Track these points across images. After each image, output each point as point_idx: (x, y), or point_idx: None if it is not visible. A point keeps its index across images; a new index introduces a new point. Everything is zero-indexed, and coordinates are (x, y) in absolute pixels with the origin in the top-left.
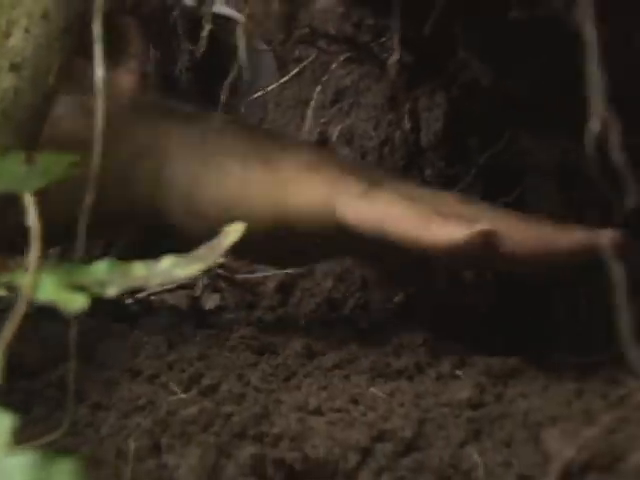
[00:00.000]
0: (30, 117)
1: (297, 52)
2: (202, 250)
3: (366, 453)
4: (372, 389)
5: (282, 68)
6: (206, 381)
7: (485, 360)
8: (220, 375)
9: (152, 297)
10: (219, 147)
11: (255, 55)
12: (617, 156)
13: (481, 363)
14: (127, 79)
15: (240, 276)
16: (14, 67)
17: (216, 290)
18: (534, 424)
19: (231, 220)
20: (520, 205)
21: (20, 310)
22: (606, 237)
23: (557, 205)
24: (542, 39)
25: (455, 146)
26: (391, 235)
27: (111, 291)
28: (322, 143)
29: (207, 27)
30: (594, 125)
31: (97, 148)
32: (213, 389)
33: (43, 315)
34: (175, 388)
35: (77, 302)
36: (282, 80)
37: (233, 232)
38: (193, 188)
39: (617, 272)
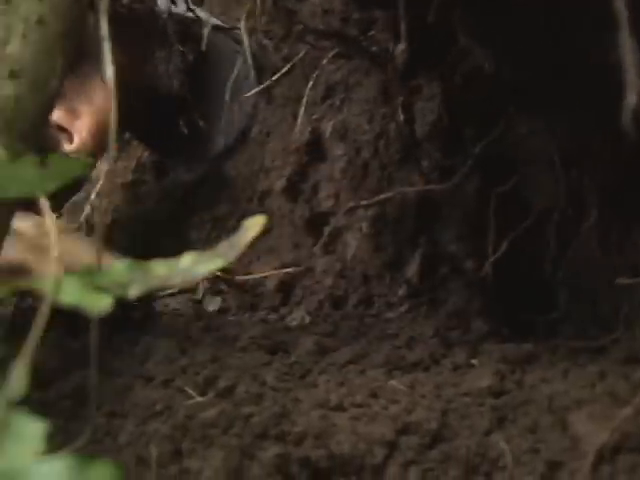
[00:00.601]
0: (31, 124)
1: (285, 50)
2: (222, 247)
3: (392, 447)
4: (392, 382)
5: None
6: (222, 383)
7: (499, 347)
8: (235, 376)
9: (154, 302)
10: None
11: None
12: None
13: (495, 351)
14: (102, 96)
15: (239, 278)
16: (13, 74)
17: (217, 293)
18: (559, 409)
19: None
20: (517, 194)
21: (44, 314)
22: None
23: (553, 193)
24: (540, 24)
25: (451, 137)
26: None
27: (133, 291)
28: (315, 140)
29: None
30: (631, 98)
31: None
32: (230, 391)
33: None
34: (191, 392)
35: (102, 303)
36: (274, 78)
37: (253, 227)
38: None
39: None
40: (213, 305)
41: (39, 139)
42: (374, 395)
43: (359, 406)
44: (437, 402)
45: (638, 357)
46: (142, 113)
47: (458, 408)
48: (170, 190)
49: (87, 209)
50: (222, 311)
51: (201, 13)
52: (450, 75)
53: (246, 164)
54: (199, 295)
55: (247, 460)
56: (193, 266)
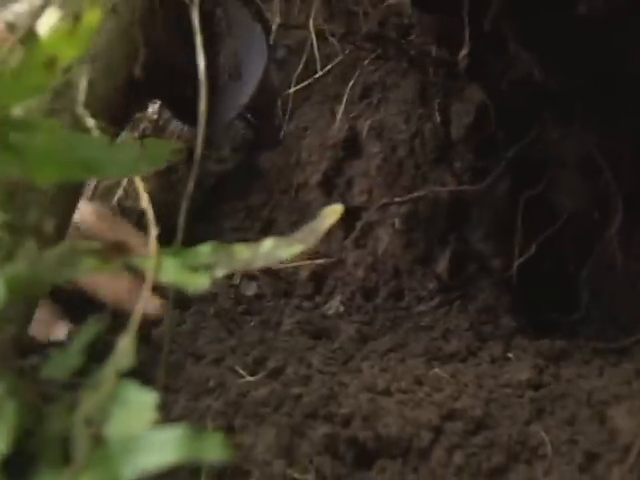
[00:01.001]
0: (103, 107)
1: (327, 48)
2: (302, 232)
3: (438, 431)
4: (435, 370)
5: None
6: (271, 364)
7: (534, 343)
8: (283, 358)
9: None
10: None
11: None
12: None
13: (529, 346)
14: None
15: (273, 265)
16: (89, 58)
17: (252, 278)
18: (597, 403)
19: None
20: (547, 197)
21: (147, 290)
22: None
23: (580, 197)
24: (578, 36)
25: (484, 139)
26: None
27: (219, 272)
28: (352, 137)
29: None
30: None
31: (199, 140)
32: (279, 372)
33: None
34: (242, 371)
35: (200, 282)
36: (316, 76)
37: (331, 214)
38: None
39: None
40: (250, 290)
41: (112, 121)
42: (418, 382)
43: (404, 392)
44: (480, 391)
45: None
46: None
47: (499, 398)
48: (201, 179)
49: (119, 192)
50: (257, 297)
51: None
52: (496, 82)
53: (282, 157)
54: (236, 280)
55: (297, 438)
56: (274, 250)
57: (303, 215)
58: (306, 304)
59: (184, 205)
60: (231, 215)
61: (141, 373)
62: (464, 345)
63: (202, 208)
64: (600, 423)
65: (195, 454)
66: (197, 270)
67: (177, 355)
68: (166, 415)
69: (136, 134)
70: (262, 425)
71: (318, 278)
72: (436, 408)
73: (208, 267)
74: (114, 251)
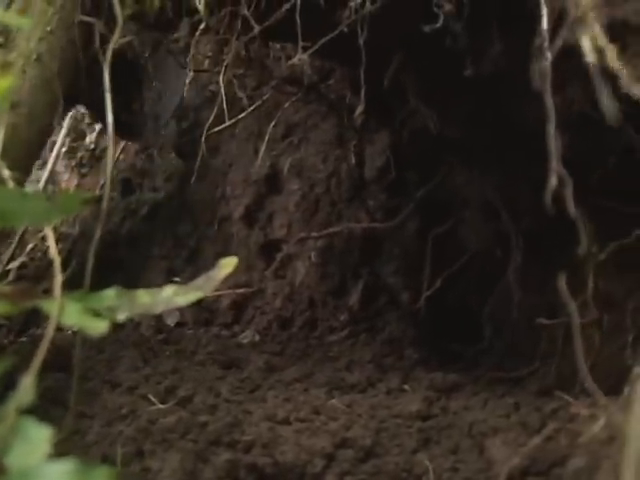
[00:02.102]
0: (26, 152)
1: (249, 90)
2: (200, 280)
3: (330, 458)
4: (332, 401)
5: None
6: (181, 393)
7: (428, 376)
8: (193, 387)
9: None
10: None
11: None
12: (572, 208)
13: (425, 378)
14: None
15: None
16: (12, 105)
17: (175, 308)
18: (477, 434)
19: None
20: (453, 235)
21: (49, 334)
22: None
23: (484, 236)
24: (472, 92)
25: (395, 180)
26: None
27: (121, 316)
28: (273, 174)
29: None
30: (552, 181)
31: (106, 192)
32: (188, 400)
33: None
34: (153, 399)
35: (100, 327)
36: (240, 116)
37: (227, 265)
38: None
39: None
40: (172, 319)
41: (30, 166)
42: (316, 412)
43: (302, 421)
44: (371, 422)
45: (550, 391)
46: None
47: (389, 428)
48: (135, 207)
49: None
50: (179, 324)
51: None
52: (399, 129)
53: (208, 190)
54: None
55: (201, 463)
56: (173, 296)
57: (227, 246)
58: (224, 332)
59: (92, 249)
60: (160, 243)
61: (58, 400)
62: (365, 377)
63: (135, 236)
64: (479, 453)
65: None
66: (100, 313)
67: (94, 382)
68: (80, 440)
69: (74, 163)
70: (169, 451)
71: (238, 307)
72: (330, 437)
73: (111, 310)
74: (22, 295)
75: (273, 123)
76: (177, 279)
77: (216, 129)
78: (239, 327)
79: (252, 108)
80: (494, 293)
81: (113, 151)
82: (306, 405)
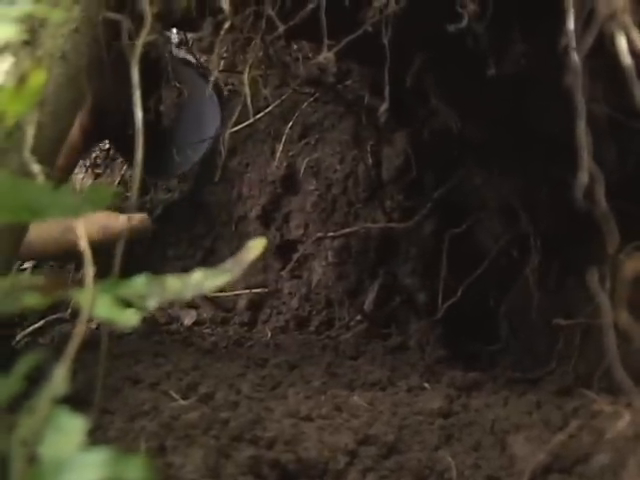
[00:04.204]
0: (50, 149)
1: (267, 90)
2: (228, 264)
3: (353, 455)
4: (354, 398)
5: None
6: (202, 389)
7: (448, 374)
8: (214, 384)
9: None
10: None
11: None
12: (602, 205)
13: (445, 376)
14: (75, 134)
15: (213, 294)
16: (38, 103)
17: (192, 307)
18: (499, 431)
19: None
20: (470, 237)
21: (82, 326)
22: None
23: (500, 237)
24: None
25: (413, 181)
26: None
27: (151, 303)
28: (290, 175)
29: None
30: (582, 177)
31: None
32: (209, 397)
33: None
34: (175, 395)
35: (131, 319)
36: (256, 117)
37: (255, 247)
38: None
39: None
40: (189, 318)
41: (55, 163)
42: (338, 409)
43: (325, 418)
44: (394, 419)
45: (570, 390)
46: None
47: (411, 425)
48: (149, 208)
49: None
50: (196, 324)
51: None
52: (418, 130)
53: (224, 191)
54: (177, 309)
55: (223, 459)
56: (203, 281)
57: (242, 246)
58: (242, 332)
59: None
60: (175, 244)
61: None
62: (385, 375)
63: (149, 236)
64: (501, 450)
65: (119, 475)
66: (131, 301)
67: (114, 379)
68: (102, 435)
69: (88, 163)
70: (191, 446)
71: (255, 307)
72: (352, 433)
73: (141, 298)
74: (53, 286)
75: (290, 124)
76: None
77: (235, 129)
78: (256, 327)
79: (269, 108)
80: (511, 294)
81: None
82: (327, 402)
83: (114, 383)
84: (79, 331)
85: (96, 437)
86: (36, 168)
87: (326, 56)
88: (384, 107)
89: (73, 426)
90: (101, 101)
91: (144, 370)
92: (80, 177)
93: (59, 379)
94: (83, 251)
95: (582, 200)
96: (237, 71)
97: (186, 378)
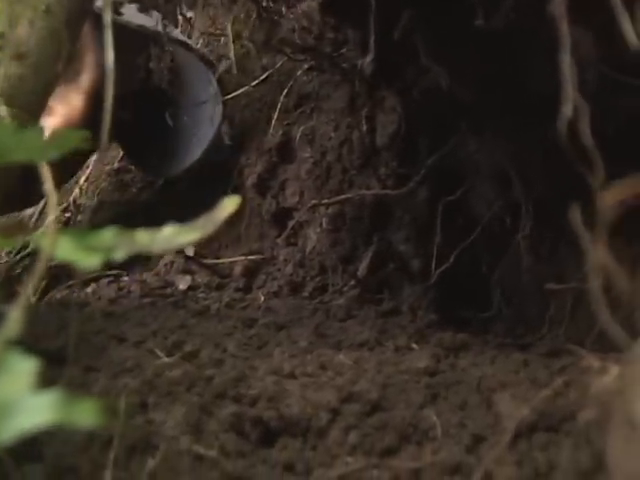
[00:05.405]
0: (33, 101)
1: (264, 60)
2: (201, 220)
3: (336, 413)
4: (340, 356)
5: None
6: (187, 347)
7: (437, 335)
8: (200, 343)
9: (126, 278)
10: None
11: None
12: (587, 138)
13: (434, 337)
14: (77, 98)
15: (209, 261)
16: (19, 56)
17: (187, 272)
18: (486, 390)
19: None
20: (464, 203)
21: (41, 267)
22: None
23: (492, 204)
24: (491, 50)
25: (407, 148)
26: None
27: (118, 254)
28: (286, 143)
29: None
30: (566, 109)
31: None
32: (194, 355)
33: None
34: (159, 353)
35: (92, 260)
36: (252, 84)
37: (228, 205)
38: None
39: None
40: (184, 283)
41: (39, 115)
42: (323, 367)
43: (309, 376)
44: (378, 376)
45: (559, 351)
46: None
47: (397, 383)
48: (151, 179)
49: (76, 192)
50: (191, 288)
51: (175, 33)
52: (409, 90)
53: (222, 160)
54: (172, 275)
55: (205, 416)
56: (173, 236)
57: (239, 214)
58: (236, 296)
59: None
60: (176, 212)
61: (66, 354)
62: (373, 336)
63: (151, 206)
64: (487, 408)
65: (68, 418)
66: (97, 251)
67: (101, 337)
68: (85, 393)
69: None
70: (173, 403)
71: (250, 273)
72: (336, 391)
73: (109, 249)
74: (15, 228)
75: (285, 92)
76: (191, 247)
77: (230, 96)
78: (251, 293)
79: (265, 76)
80: (504, 261)
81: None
82: (313, 361)
83: (100, 341)
84: (38, 269)
85: (79, 395)
86: (2, 110)
87: (310, 6)
88: (369, 59)
89: (23, 368)
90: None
91: (130, 329)
92: None
93: (13, 321)
94: (48, 194)
95: (565, 135)
96: (219, 34)
97: (171, 337)
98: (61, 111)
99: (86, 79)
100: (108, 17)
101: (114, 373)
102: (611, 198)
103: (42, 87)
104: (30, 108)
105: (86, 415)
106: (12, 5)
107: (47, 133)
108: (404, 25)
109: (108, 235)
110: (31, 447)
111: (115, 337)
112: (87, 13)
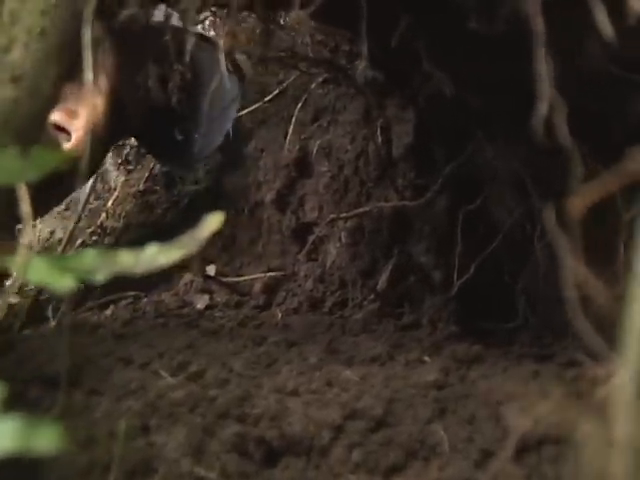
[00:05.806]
0: (28, 124)
1: (280, 75)
2: (184, 238)
3: (339, 430)
4: (346, 372)
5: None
6: (193, 368)
7: (451, 347)
8: (206, 362)
9: (145, 299)
10: None
11: None
12: (563, 135)
13: (447, 349)
14: (98, 100)
15: (229, 279)
16: (14, 79)
17: (206, 292)
18: (494, 403)
19: None
20: (483, 211)
21: (13, 287)
22: None
23: (513, 211)
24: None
25: (424, 158)
26: None
27: (99, 276)
28: (303, 158)
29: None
30: (542, 107)
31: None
32: (199, 375)
33: None
34: (164, 374)
35: (66, 283)
36: (266, 99)
37: (212, 223)
38: None
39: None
40: (202, 302)
41: (36, 138)
42: (329, 384)
43: (313, 393)
44: (384, 391)
45: (576, 362)
46: (137, 120)
47: (404, 398)
48: (177, 200)
49: (103, 215)
50: (209, 307)
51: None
52: (416, 97)
53: (241, 178)
54: (190, 294)
55: (208, 437)
56: (156, 255)
57: (260, 231)
58: (253, 314)
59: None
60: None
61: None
62: (386, 349)
63: (174, 226)
64: (496, 422)
65: (29, 443)
66: (75, 272)
67: (108, 360)
68: (88, 416)
69: (120, 161)
70: (175, 425)
71: (270, 290)
72: (340, 408)
73: (89, 271)
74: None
75: (299, 105)
76: (212, 265)
77: (244, 112)
78: (270, 310)
79: (277, 91)
80: (527, 268)
81: None
82: (320, 378)
83: (107, 364)
84: (6, 294)
85: (82, 418)
86: None
87: (299, 14)
88: (361, 65)
89: None
90: (120, 95)
91: (138, 350)
92: (114, 175)
93: None
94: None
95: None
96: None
97: (178, 357)
98: (84, 112)
99: (105, 82)
100: (88, 35)
101: (117, 396)
102: (580, 201)
103: (38, 110)
104: (25, 131)
105: (47, 440)
106: (6, 28)
107: (74, 135)
108: (404, 31)
109: (88, 257)
110: (33, 471)
111: (122, 359)
112: (81, 36)
